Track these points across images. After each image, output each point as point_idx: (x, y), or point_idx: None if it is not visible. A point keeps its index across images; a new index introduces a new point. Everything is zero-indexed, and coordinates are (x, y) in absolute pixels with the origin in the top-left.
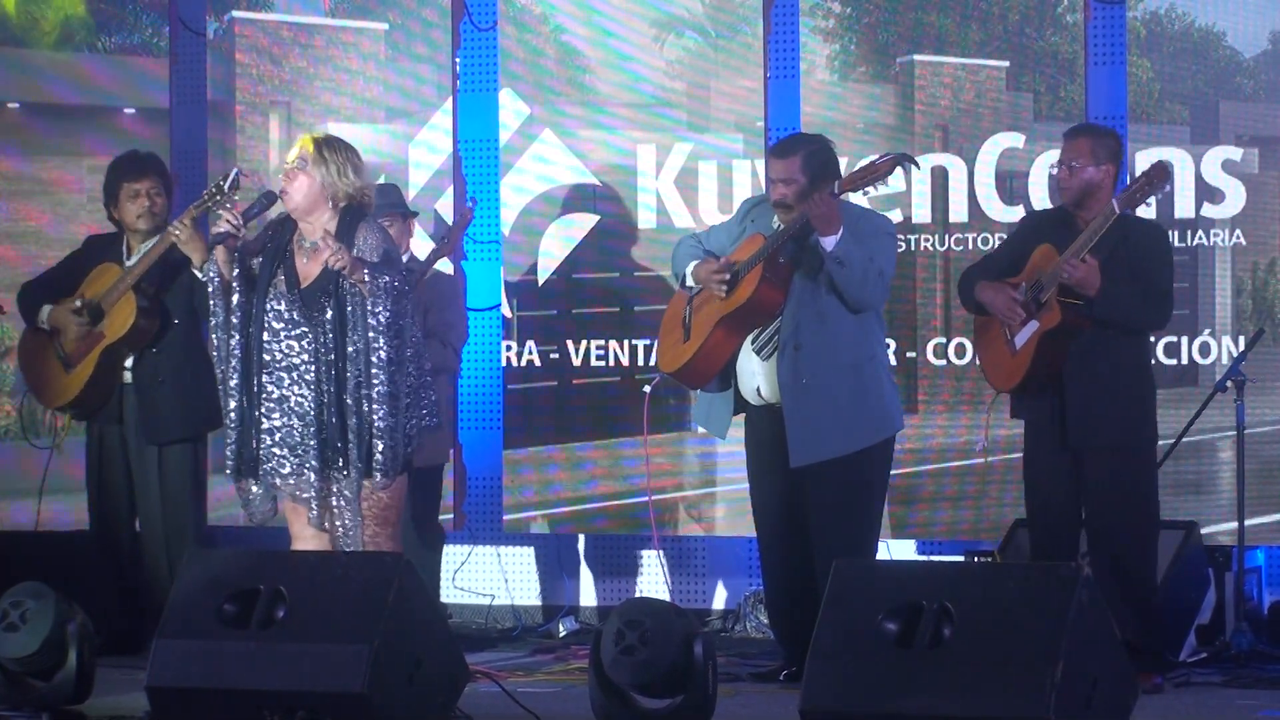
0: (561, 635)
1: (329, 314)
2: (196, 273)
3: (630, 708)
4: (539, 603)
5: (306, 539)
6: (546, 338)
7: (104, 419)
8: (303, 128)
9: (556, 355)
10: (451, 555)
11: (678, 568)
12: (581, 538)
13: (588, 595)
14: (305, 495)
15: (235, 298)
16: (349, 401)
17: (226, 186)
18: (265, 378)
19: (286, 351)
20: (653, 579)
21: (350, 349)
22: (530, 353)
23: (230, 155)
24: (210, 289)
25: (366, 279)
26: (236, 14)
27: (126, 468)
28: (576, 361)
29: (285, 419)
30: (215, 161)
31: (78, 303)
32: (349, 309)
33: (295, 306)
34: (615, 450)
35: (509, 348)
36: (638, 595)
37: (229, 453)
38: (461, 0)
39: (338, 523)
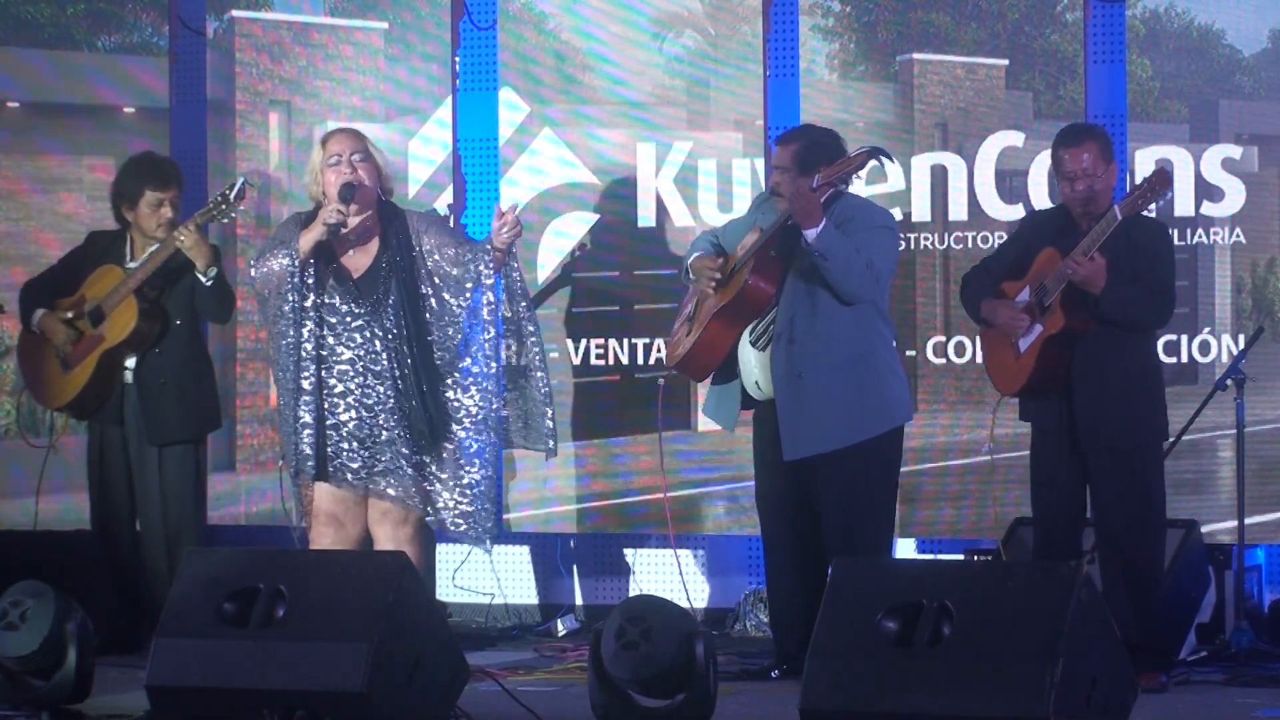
0: (561, 634)
1: (392, 299)
2: (200, 276)
3: (630, 707)
4: (538, 601)
5: (324, 539)
6: (546, 337)
7: (105, 419)
8: (303, 127)
9: (556, 354)
10: (451, 554)
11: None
12: (573, 537)
13: (586, 594)
14: (378, 487)
15: (293, 297)
16: (445, 383)
17: (232, 196)
18: (325, 373)
19: (349, 344)
20: (655, 578)
21: (445, 334)
22: None
23: (230, 154)
24: (289, 281)
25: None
26: (237, 13)
27: (127, 467)
28: (576, 360)
29: (351, 412)
30: (215, 160)
31: (69, 314)
32: (422, 290)
33: (352, 298)
34: (613, 449)
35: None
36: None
37: (294, 453)
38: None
39: (438, 503)
